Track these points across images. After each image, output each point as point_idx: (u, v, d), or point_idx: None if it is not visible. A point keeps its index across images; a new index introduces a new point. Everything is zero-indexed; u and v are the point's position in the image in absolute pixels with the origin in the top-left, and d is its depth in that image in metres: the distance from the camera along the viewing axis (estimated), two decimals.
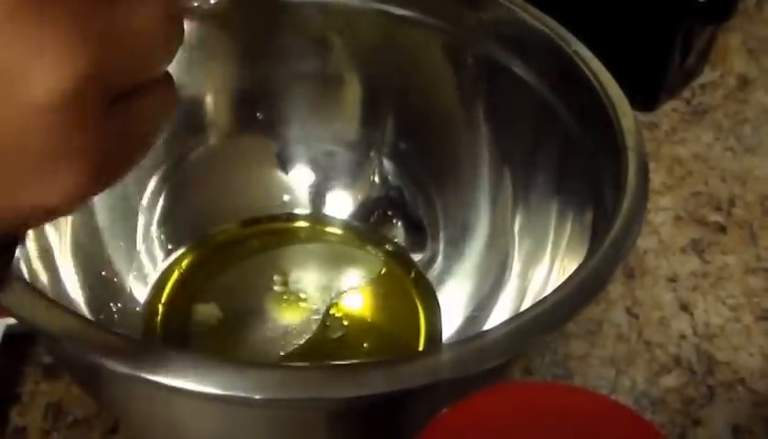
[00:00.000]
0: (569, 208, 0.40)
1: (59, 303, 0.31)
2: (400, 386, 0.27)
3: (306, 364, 0.43)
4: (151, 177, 0.48)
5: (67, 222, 0.41)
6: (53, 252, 0.40)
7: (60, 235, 0.40)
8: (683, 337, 0.49)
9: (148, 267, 0.48)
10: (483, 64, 0.45)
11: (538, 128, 0.43)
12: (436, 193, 0.49)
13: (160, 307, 0.47)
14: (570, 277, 0.31)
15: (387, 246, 0.50)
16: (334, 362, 0.30)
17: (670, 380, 0.47)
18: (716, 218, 0.55)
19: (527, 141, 0.44)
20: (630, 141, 0.36)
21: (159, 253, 0.48)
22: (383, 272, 0.49)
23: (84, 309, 0.40)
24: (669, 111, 0.62)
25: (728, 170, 0.58)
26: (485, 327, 0.43)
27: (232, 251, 0.50)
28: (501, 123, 0.45)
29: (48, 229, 0.39)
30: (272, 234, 0.51)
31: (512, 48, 0.44)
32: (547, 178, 0.43)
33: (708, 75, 0.64)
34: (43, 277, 0.38)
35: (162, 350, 0.28)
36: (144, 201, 0.48)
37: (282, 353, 0.45)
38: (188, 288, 0.48)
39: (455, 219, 0.48)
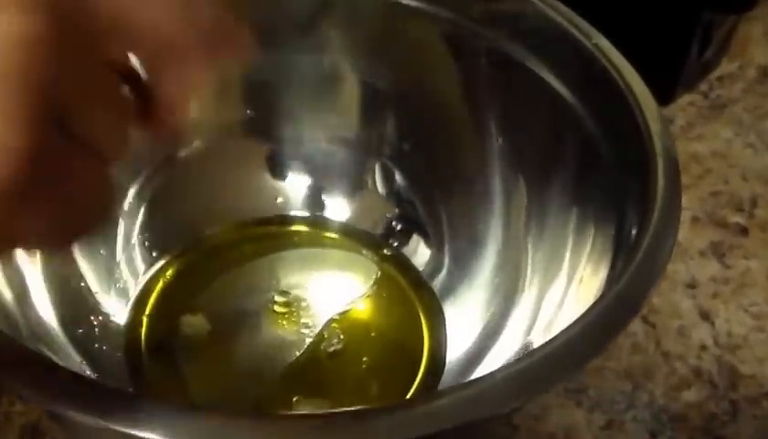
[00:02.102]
0: (589, 220, 0.37)
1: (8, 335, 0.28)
2: (403, 437, 0.24)
3: (299, 412, 0.40)
4: (133, 180, 0.45)
5: None
6: (21, 269, 0.37)
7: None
8: (703, 347, 0.46)
9: (131, 277, 0.45)
10: (495, 59, 0.42)
11: (555, 130, 0.40)
12: (441, 199, 0.46)
13: (144, 319, 0.44)
14: (593, 305, 0.28)
15: (386, 251, 0.47)
16: (328, 410, 0.27)
17: (691, 395, 0.44)
18: (737, 219, 0.52)
19: (543, 143, 0.41)
20: (659, 146, 0.33)
21: (143, 261, 0.45)
22: (383, 279, 0.46)
23: (57, 328, 0.37)
24: (686, 105, 0.59)
25: (748, 168, 0.55)
26: (497, 345, 0.41)
27: (222, 257, 0.47)
28: (515, 125, 0.42)
29: None
30: (264, 239, 0.48)
31: (527, 42, 0.41)
32: (565, 186, 0.39)
33: (726, 67, 0.62)
34: (7, 295, 0.35)
35: (130, 398, 0.25)
36: (126, 205, 0.45)
37: (274, 369, 0.42)
38: (175, 298, 0.45)
39: (462, 229, 0.45)
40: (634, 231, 0.32)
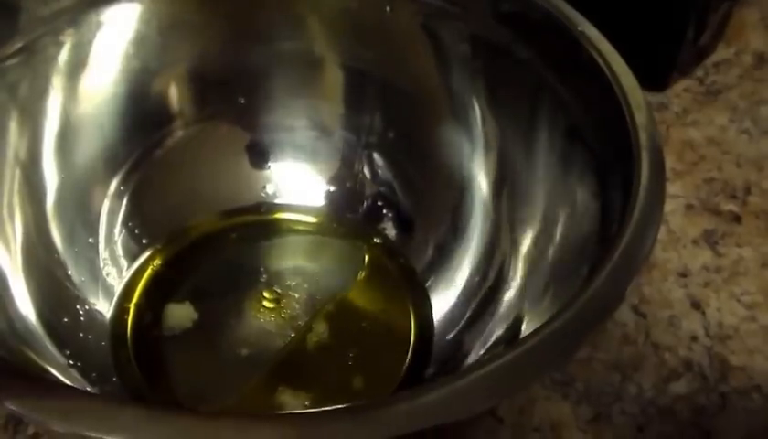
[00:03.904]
0: (573, 209, 0.37)
1: None
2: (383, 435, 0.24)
3: (283, 403, 0.40)
4: (120, 168, 0.45)
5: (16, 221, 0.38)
6: None
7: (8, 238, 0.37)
8: (694, 338, 0.46)
9: (118, 266, 0.44)
10: (479, 45, 0.42)
11: (539, 118, 0.39)
12: (426, 186, 0.46)
13: (131, 308, 0.44)
14: (572, 300, 0.28)
15: (375, 239, 0.47)
16: (296, 411, 0.26)
17: (680, 387, 0.44)
18: (730, 206, 0.52)
19: (527, 131, 0.40)
20: (643, 138, 0.33)
21: (131, 250, 0.45)
22: (371, 267, 0.46)
23: (35, 319, 0.37)
24: (681, 91, 0.58)
25: (743, 155, 0.55)
26: (483, 333, 0.40)
27: (210, 245, 0.47)
28: (499, 111, 0.42)
29: None
30: (251, 227, 0.48)
31: (512, 27, 0.40)
32: (548, 174, 0.39)
33: (722, 52, 0.61)
34: None
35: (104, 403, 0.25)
36: (112, 191, 0.45)
37: (260, 360, 0.42)
38: (162, 287, 0.45)
39: (447, 216, 0.45)
40: (616, 223, 0.32)
